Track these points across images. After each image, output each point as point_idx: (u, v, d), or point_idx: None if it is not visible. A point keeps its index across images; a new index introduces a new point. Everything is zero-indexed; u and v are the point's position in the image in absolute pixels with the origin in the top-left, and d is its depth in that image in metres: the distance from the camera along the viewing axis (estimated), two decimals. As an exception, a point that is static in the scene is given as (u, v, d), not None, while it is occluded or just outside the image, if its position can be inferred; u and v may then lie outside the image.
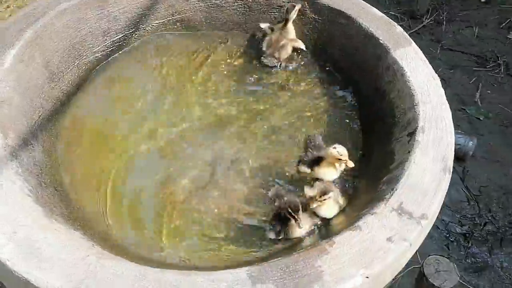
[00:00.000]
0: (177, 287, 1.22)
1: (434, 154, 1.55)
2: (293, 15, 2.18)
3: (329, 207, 1.63)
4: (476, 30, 4.21)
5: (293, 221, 1.53)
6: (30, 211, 1.35)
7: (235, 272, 1.28)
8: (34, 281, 1.19)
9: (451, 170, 1.54)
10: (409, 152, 1.58)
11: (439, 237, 2.93)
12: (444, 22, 4.29)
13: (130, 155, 1.88)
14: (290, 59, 2.24)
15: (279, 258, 1.33)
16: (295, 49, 2.24)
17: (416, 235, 1.38)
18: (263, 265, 1.30)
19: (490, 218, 3.03)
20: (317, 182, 1.66)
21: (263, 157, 1.88)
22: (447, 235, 2.95)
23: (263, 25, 2.25)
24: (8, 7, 4.19)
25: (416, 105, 1.72)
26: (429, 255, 1.84)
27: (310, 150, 1.79)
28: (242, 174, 1.82)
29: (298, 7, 2.17)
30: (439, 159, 1.54)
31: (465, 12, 4.39)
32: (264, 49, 2.23)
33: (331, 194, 1.57)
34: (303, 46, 2.23)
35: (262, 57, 2.23)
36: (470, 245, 2.91)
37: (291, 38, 2.23)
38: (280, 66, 2.22)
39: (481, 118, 3.56)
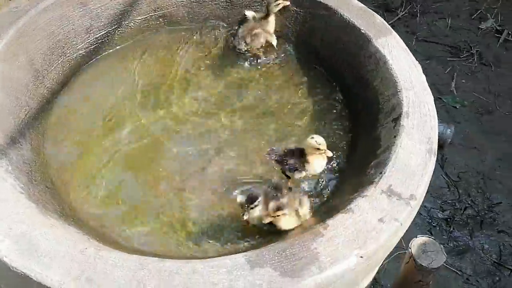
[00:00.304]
0: (177, 274, 1.23)
1: (419, 138, 1.61)
2: (274, 8, 2.21)
3: (287, 220, 1.56)
4: (449, 21, 4.32)
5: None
6: (24, 207, 1.34)
7: (234, 257, 1.30)
8: (34, 276, 1.19)
9: (436, 153, 1.59)
10: (395, 136, 1.63)
11: (422, 223, 3.01)
12: (418, 14, 4.38)
13: (117, 150, 1.88)
14: (270, 51, 2.26)
15: (276, 242, 1.36)
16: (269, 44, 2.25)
17: (406, 215, 1.43)
18: (260, 250, 1.33)
19: (469, 202, 3.12)
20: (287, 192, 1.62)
21: (245, 149, 1.92)
22: (430, 221, 3.03)
23: (248, 13, 2.26)
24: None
25: (399, 91, 1.77)
26: (416, 237, 1.89)
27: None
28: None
29: (281, 2, 2.19)
30: (424, 142, 1.59)
31: (438, 4, 4.50)
32: (238, 32, 2.24)
33: (285, 211, 1.53)
34: (274, 43, 2.24)
35: (233, 38, 2.26)
36: (452, 229, 3.00)
37: (267, 30, 2.24)
38: (248, 51, 2.24)
39: (457, 107, 3.67)
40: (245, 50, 2.24)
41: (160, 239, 1.62)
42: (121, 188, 1.76)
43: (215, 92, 2.12)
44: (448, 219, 3.04)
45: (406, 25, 4.30)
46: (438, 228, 3.01)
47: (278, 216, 1.52)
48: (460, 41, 4.16)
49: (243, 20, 2.29)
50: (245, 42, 2.22)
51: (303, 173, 1.74)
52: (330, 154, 1.72)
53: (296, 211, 1.55)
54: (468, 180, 3.23)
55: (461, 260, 2.86)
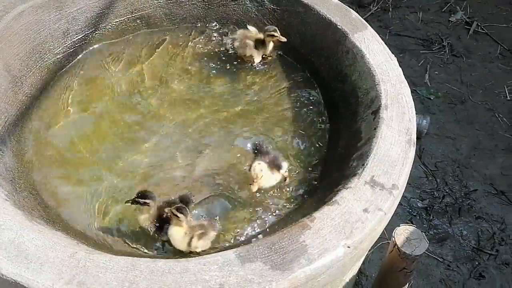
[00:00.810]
0: (169, 273, 1.24)
1: (399, 129, 1.65)
2: (268, 38, 2.19)
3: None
4: (420, 15, 4.42)
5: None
6: (11, 214, 1.33)
7: (224, 254, 1.32)
8: (25, 283, 1.19)
9: (415, 142, 1.64)
10: (375, 128, 1.67)
11: (403, 212, 3.08)
12: (390, 9, 4.47)
13: (98, 153, 1.88)
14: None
15: (265, 237, 1.38)
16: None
17: (389, 204, 1.47)
18: (250, 245, 1.35)
19: (447, 191, 3.21)
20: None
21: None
22: (410, 210, 3.10)
23: (251, 28, 2.25)
24: None
25: (377, 84, 1.81)
26: (399, 225, 1.94)
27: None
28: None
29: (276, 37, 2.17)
30: (403, 133, 1.64)
31: (409, -1, 4.60)
32: (234, 33, 2.26)
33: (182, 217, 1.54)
34: (257, 61, 2.24)
35: (223, 37, 2.29)
36: (431, 217, 3.08)
37: (263, 51, 2.23)
38: (231, 49, 2.27)
39: (431, 98, 3.76)
40: (231, 51, 2.27)
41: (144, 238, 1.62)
42: (108, 190, 1.76)
43: (196, 92, 2.13)
44: (428, 208, 3.12)
45: (379, 19, 4.38)
46: (418, 217, 3.08)
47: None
48: (432, 34, 4.26)
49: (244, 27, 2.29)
50: (232, 44, 2.25)
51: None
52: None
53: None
54: (445, 169, 3.32)
55: (441, 247, 2.94)
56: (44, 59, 2.02)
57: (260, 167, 1.71)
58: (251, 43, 2.19)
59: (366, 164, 1.56)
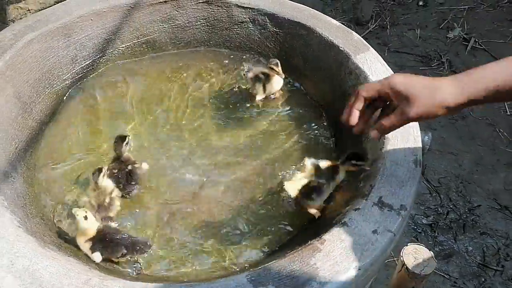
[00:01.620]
0: (183, 299, 1.25)
1: (404, 149, 1.67)
2: (270, 71, 2.16)
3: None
4: (418, 32, 4.49)
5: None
6: (25, 241, 1.34)
7: (236, 278, 1.33)
8: (39, 311, 1.19)
9: (421, 163, 1.66)
10: (381, 149, 1.70)
11: (408, 229, 3.08)
12: (388, 26, 4.54)
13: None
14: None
15: (275, 260, 1.39)
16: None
17: (398, 225, 1.48)
18: (261, 268, 1.36)
19: (451, 207, 3.22)
20: None
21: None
22: (415, 227, 3.11)
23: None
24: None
25: (381, 105, 1.84)
26: (407, 244, 1.95)
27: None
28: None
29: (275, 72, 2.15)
30: (409, 153, 1.66)
31: (406, 16, 4.67)
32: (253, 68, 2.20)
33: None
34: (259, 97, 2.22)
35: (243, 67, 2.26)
36: (436, 234, 3.08)
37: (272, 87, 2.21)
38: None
39: (431, 115, 3.78)
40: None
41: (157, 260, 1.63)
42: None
43: (203, 114, 2.16)
44: (432, 225, 3.12)
45: (377, 37, 4.44)
46: (423, 234, 3.09)
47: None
48: (430, 51, 4.32)
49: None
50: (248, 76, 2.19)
51: None
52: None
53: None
54: (448, 185, 3.34)
55: (447, 264, 2.94)
56: (53, 85, 2.05)
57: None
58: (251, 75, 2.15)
59: (374, 185, 1.58)
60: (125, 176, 1.76)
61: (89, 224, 1.54)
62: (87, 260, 1.53)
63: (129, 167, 1.79)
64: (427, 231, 3.11)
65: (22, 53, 1.89)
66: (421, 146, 1.71)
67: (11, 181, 1.63)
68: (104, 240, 1.53)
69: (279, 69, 2.13)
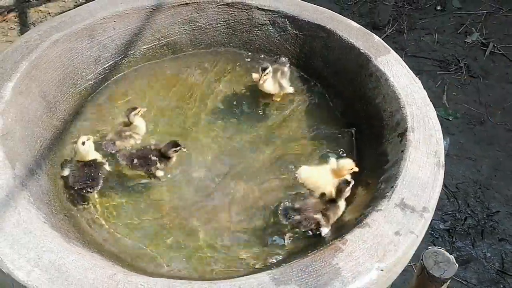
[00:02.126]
0: (206, 295, 1.26)
1: (427, 151, 1.67)
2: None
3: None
4: (436, 37, 4.47)
5: None
6: (51, 236, 1.37)
7: (258, 276, 1.34)
8: (66, 304, 1.21)
9: (444, 165, 1.65)
10: (402, 151, 1.69)
11: (425, 234, 3.03)
12: (405, 31, 4.52)
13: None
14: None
15: (297, 259, 1.40)
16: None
17: (421, 227, 1.48)
18: (284, 267, 1.36)
19: (469, 212, 3.19)
20: None
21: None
22: (432, 232, 3.08)
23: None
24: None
25: (402, 107, 1.84)
26: (427, 248, 1.94)
27: None
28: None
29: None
30: (431, 155, 1.66)
31: (424, 20, 4.64)
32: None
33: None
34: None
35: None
36: (454, 239, 3.05)
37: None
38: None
39: (450, 119, 3.76)
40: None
41: (174, 260, 1.64)
42: (136, 213, 1.79)
43: (223, 115, 2.18)
44: (450, 230, 3.10)
45: (394, 41, 4.43)
46: (440, 239, 3.06)
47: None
48: (448, 55, 4.29)
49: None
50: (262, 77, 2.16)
51: None
52: None
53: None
54: (466, 190, 3.30)
55: (465, 270, 2.91)
56: (76, 85, 2.09)
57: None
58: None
59: (395, 187, 1.57)
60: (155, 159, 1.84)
61: (86, 149, 1.78)
62: (110, 256, 1.55)
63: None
64: (445, 237, 3.08)
65: (47, 53, 1.93)
66: (443, 148, 1.70)
67: (36, 178, 1.66)
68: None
69: (268, 75, 2.11)
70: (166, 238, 1.71)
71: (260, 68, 2.12)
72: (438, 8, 4.77)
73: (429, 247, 1.94)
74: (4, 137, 1.59)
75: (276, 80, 2.17)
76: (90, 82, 2.15)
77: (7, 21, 4.45)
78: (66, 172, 1.81)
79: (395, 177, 1.62)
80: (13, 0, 4.65)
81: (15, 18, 4.50)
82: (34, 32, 1.99)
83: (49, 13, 4.57)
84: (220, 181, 1.90)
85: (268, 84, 2.15)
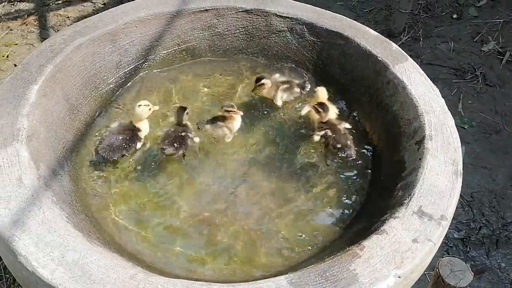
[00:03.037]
0: (225, 298, 1.28)
1: (445, 159, 1.68)
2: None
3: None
4: (452, 45, 4.45)
5: None
6: (74, 236, 1.40)
7: (276, 280, 1.35)
8: (89, 302, 1.24)
9: (461, 174, 1.66)
10: (420, 159, 1.70)
11: (439, 243, 3.04)
12: (421, 39, 4.52)
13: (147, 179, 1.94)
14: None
15: (315, 264, 1.41)
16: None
17: (438, 235, 1.48)
18: (301, 271, 1.38)
19: (484, 222, 3.16)
20: None
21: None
22: (446, 241, 3.06)
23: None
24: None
25: (420, 115, 1.85)
26: (442, 257, 1.93)
27: None
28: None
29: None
30: (449, 163, 1.66)
31: (440, 28, 4.63)
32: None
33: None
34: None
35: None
36: (468, 249, 3.03)
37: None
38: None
39: (465, 127, 3.74)
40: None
41: (195, 262, 1.66)
42: (157, 216, 1.82)
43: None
44: (464, 239, 3.07)
45: (409, 49, 4.42)
46: (454, 248, 3.04)
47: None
48: (464, 64, 4.27)
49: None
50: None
51: None
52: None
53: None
54: (481, 199, 3.28)
55: (479, 280, 2.88)
56: (98, 89, 2.13)
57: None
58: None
59: (413, 194, 1.58)
60: (178, 138, 1.93)
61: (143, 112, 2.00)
62: (130, 257, 1.58)
63: (183, 133, 1.96)
64: (459, 246, 3.06)
65: (71, 57, 1.97)
66: (461, 157, 1.70)
67: (59, 179, 1.69)
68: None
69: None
70: (186, 239, 1.73)
71: (255, 79, 2.21)
72: (454, 16, 4.76)
73: (444, 256, 1.94)
74: (29, 138, 1.63)
75: (276, 90, 2.22)
76: (111, 85, 2.19)
77: (27, 24, 4.54)
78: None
79: (412, 184, 1.63)
80: (33, 4, 4.74)
81: (35, 21, 4.58)
82: (58, 36, 2.03)
83: (68, 17, 4.65)
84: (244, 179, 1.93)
85: (267, 92, 2.25)
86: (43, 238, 1.38)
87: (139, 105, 2.00)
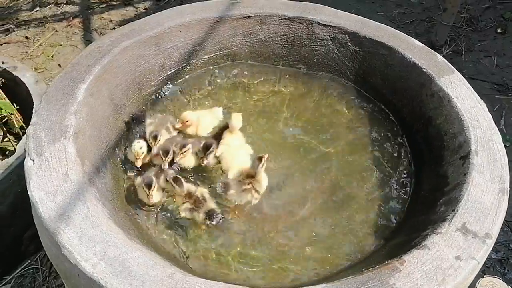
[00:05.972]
0: (262, 303, 1.27)
1: (491, 176, 1.62)
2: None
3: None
4: (495, 60, 4.33)
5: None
6: (115, 232, 1.42)
7: (313, 289, 1.33)
8: (128, 298, 1.25)
9: (508, 192, 1.60)
10: (465, 174, 1.65)
11: (475, 263, 2.94)
12: (463, 52, 4.42)
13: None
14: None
15: (352, 275, 1.38)
16: None
17: (482, 253, 1.43)
18: (339, 282, 1.35)
19: (524, 243, 3.05)
20: None
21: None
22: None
23: None
24: (40, 45, 4.42)
25: (466, 129, 1.80)
26: (482, 277, 1.88)
27: None
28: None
29: None
30: (496, 180, 1.61)
31: (483, 43, 4.52)
32: None
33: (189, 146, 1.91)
34: None
35: None
36: (506, 270, 2.92)
37: None
38: None
39: (507, 145, 3.63)
40: None
41: (233, 269, 1.67)
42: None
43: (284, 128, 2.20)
44: (502, 260, 2.97)
45: (451, 62, 4.26)
46: (492, 269, 2.94)
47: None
48: (508, 79, 4.15)
49: None
50: None
51: None
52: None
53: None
54: (521, 220, 3.17)
55: (517, 303, 2.78)
56: (141, 90, 2.18)
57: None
58: None
59: (457, 210, 1.54)
60: None
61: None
62: (168, 257, 1.60)
63: None
64: (496, 267, 2.95)
65: (117, 58, 2.02)
66: (508, 174, 1.64)
67: (102, 176, 1.73)
68: None
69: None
70: (230, 244, 1.75)
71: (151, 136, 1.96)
72: (499, 30, 4.64)
73: (485, 276, 1.88)
74: (76, 135, 1.68)
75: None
76: (154, 88, 2.24)
77: (71, 26, 4.69)
78: None
79: (456, 200, 1.58)
80: (78, 6, 4.90)
81: (79, 24, 4.74)
82: (106, 38, 2.09)
83: (111, 21, 4.78)
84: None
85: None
86: (87, 233, 1.41)
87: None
